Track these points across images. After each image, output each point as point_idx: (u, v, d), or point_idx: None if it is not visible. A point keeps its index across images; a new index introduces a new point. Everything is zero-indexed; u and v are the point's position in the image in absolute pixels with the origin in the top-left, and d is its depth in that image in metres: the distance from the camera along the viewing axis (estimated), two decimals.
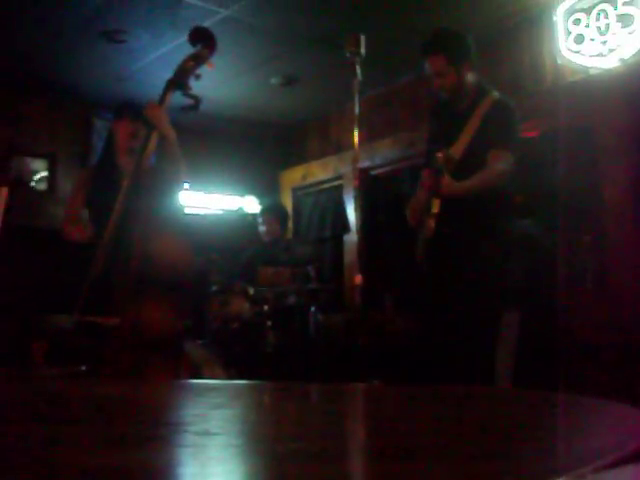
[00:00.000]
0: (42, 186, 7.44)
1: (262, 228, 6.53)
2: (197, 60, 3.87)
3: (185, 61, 3.88)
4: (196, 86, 3.90)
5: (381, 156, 7.36)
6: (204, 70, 3.88)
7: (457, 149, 3.93)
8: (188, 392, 1.21)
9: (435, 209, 3.88)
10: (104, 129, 6.34)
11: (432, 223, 3.90)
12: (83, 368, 2.01)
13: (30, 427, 0.68)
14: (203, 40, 3.89)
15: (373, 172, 7.52)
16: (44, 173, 7.46)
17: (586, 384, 4.39)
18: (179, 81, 3.86)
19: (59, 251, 4.17)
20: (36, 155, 7.44)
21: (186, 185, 4.16)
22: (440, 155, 3.85)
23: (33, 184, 7.41)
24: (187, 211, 7.04)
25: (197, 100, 3.92)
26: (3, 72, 6.73)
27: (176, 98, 3.89)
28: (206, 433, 0.63)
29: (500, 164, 3.84)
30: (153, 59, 6.26)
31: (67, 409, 0.89)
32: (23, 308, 4.18)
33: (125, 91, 6.58)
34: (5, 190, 1.43)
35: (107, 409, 0.89)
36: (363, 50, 3.84)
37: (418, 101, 6.84)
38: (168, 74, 3.88)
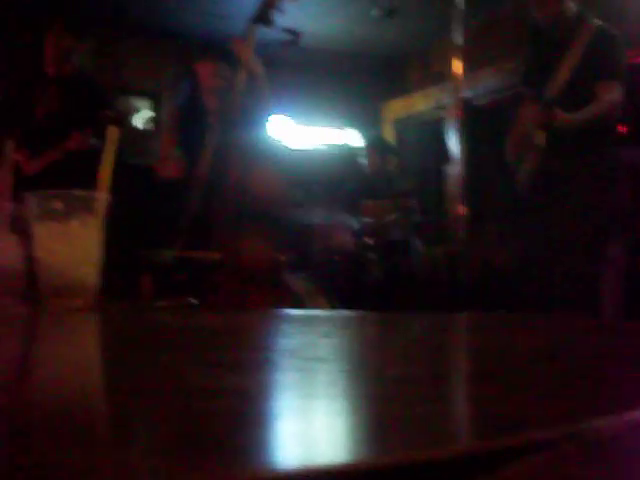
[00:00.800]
0: (148, 125, 7.57)
1: (365, 160, 6.51)
2: None
3: None
4: (295, 21, 3.88)
5: (483, 86, 7.24)
6: (292, 4, 3.85)
7: (559, 79, 3.84)
8: (295, 321, 1.24)
9: (540, 141, 3.82)
10: None
11: (537, 156, 3.84)
12: (192, 300, 2.07)
13: (155, 355, 0.71)
14: None
15: (476, 102, 7.41)
16: (149, 112, 7.58)
17: None
18: (262, 17, 3.85)
19: (163, 188, 4.26)
20: (141, 94, 7.56)
21: (275, 119, 4.17)
22: (552, 88, 3.76)
23: (139, 123, 7.55)
24: (290, 145, 7.07)
25: (296, 35, 3.92)
26: (107, 14, 6.83)
27: (276, 34, 3.89)
28: (316, 359, 0.65)
29: (610, 95, 3.75)
30: None
31: (182, 338, 0.92)
32: (131, 243, 4.28)
33: (219, 29, 6.60)
34: (115, 129, 1.47)
35: (217, 337, 0.93)
36: None
37: (520, 29, 6.69)
38: None
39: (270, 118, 4.05)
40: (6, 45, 6.32)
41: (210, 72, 4.02)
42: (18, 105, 4.43)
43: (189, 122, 4.06)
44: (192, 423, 0.38)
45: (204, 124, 3.83)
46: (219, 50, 4.04)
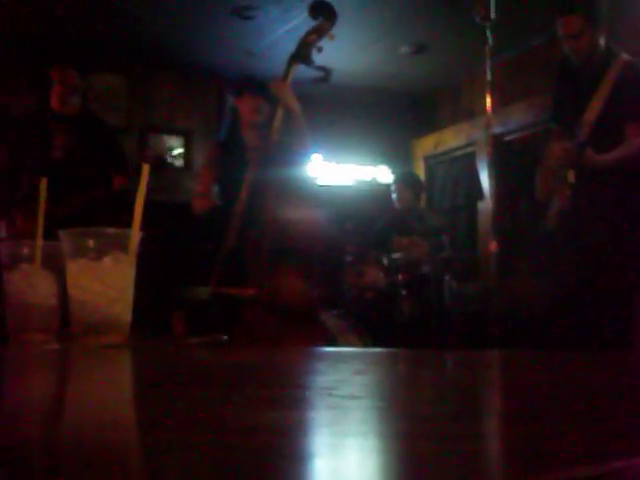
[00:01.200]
0: (179, 163, 7.63)
1: (395, 197, 6.50)
2: (318, 33, 3.89)
3: (306, 35, 3.91)
4: (325, 58, 3.92)
5: (514, 121, 7.24)
6: (329, 42, 3.91)
7: (589, 117, 3.82)
8: (328, 359, 1.24)
9: (571, 178, 3.79)
10: None
11: (568, 193, 3.82)
12: (224, 337, 2.07)
13: (190, 390, 0.72)
14: (323, 13, 3.91)
15: (507, 138, 7.41)
16: (180, 150, 7.65)
17: None
18: (301, 55, 3.90)
19: (195, 225, 4.29)
20: (172, 132, 7.63)
21: (312, 157, 4.21)
22: (584, 128, 3.75)
23: (170, 161, 7.61)
24: (320, 182, 7.10)
25: (327, 72, 3.96)
26: (138, 52, 6.92)
27: (307, 71, 3.94)
28: (351, 396, 0.65)
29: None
30: (282, 34, 6.33)
31: (216, 374, 0.93)
32: (163, 280, 4.30)
33: (255, 67, 6.66)
34: (147, 167, 1.49)
35: (254, 374, 0.93)
36: (493, 13, 3.78)
37: (552, 64, 6.70)
38: None
39: (310, 156, 4.09)
40: (13, 82, 6.39)
41: (250, 107, 4.07)
42: (33, 143, 4.47)
43: (228, 158, 4.09)
44: (227, 458, 0.39)
45: (243, 160, 3.87)
46: (257, 86, 4.09)
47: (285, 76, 3.90)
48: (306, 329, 3.85)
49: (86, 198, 4.30)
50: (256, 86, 4.15)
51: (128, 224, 1.46)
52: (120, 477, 0.36)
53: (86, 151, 4.42)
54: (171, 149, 7.60)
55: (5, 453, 0.41)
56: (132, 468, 0.39)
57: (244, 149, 4.00)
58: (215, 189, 4.26)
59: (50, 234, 1.65)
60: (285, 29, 6.23)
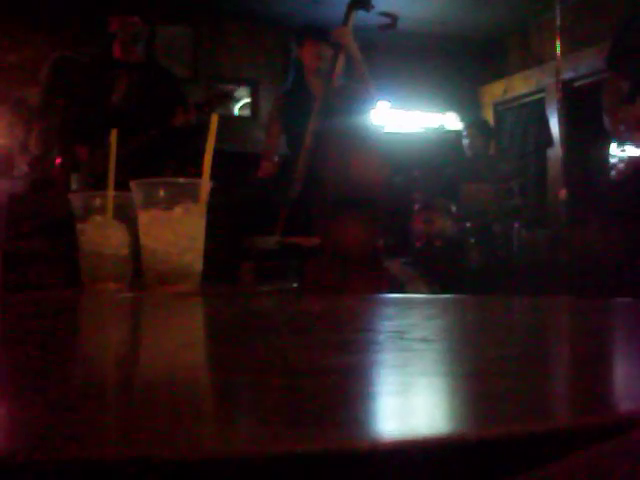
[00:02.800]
0: (246, 112, 7.65)
1: (465, 143, 6.43)
2: None
3: None
4: (391, 4, 3.89)
5: (585, 66, 7.09)
6: None
7: None
8: (398, 305, 1.25)
9: None
10: None
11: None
12: (294, 285, 2.09)
13: (261, 336, 0.73)
14: None
15: (577, 83, 7.27)
16: (247, 99, 7.66)
17: None
18: (361, 0, 3.87)
19: (259, 178, 4.32)
20: (239, 82, 7.64)
21: (377, 103, 4.19)
22: None
23: (236, 110, 7.63)
24: (388, 130, 7.06)
25: (394, 18, 3.92)
26: (204, 2, 6.92)
27: (374, 18, 3.91)
28: (424, 340, 0.66)
29: None
30: None
31: (286, 320, 0.94)
32: (232, 230, 4.33)
33: (320, 14, 6.61)
34: (215, 117, 1.50)
35: (323, 319, 0.94)
36: None
37: (623, 6, 6.53)
38: None
39: (374, 104, 4.07)
40: (77, 31, 6.42)
41: (312, 54, 4.07)
42: (95, 90, 4.47)
43: (294, 107, 4.11)
44: (299, 399, 0.39)
45: (309, 109, 3.88)
46: (319, 33, 4.08)
47: (345, 22, 3.88)
48: (370, 277, 3.86)
49: (144, 137, 4.30)
50: (316, 32, 4.14)
51: (196, 172, 1.48)
52: (192, 416, 0.37)
53: (147, 97, 4.42)
54: (238, 99, 7.61)
55: (83, 395, 0.42)
56: (204, 408, 0.40)
57: (310, 98, 4.00)
58: (282, 140, 4.28)
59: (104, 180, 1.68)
60: None
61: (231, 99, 7.24)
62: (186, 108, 4.41)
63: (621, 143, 3.83)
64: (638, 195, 3.82)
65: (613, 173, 3.86)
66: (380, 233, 4.02)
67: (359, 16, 3.92)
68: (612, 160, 3.85)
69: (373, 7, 3.88)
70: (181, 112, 4.41)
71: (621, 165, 3.84)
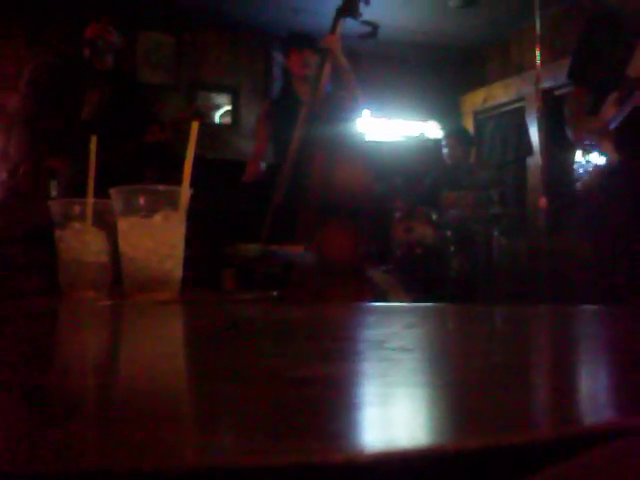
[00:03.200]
0: (226, 120, 7.64)
1: (446, 152, 6.45)
2: None
3: None
4: (372, 13, 3.90)
5: (564, 75, 7.13)
6: None
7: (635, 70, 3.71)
8: (379, 313, 1.25)
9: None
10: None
11: (611, 147, 3.71)
12: (274, 293, 2.09)
13: (242, 344, 0.73)
14: None
15: (557, 92, 7.30)
16: (228, 107, 7.66)
17: None
18: (349, 8, 3.89)
19: (244, 184, 4.32)
20: (220, 90, 7.64)
21: (363, 111, 4.20)
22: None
23: (217, 118, 7.62)
24: (368, 138, 7.07)
25: (375, 26, 3.94)
26: (185, 11, 6.91)
27: (355, 27, 3.92)
28: (402, 349, 0.66)
29: None
30: None
31: (267, 328, 0.94)
32: (214, 237, 4.33)
33: (301, 23, 6.62)
34: (196, 124, 1.49)
35: (304, 328, 0.94)
36: None
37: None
38: None
39: (361, 112, 4.09)
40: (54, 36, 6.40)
41: (299, 62, 4.08)
42: (66, 100, 4.45)
43: (281, 115, 4.12)
44: (280, 408, 0.39)
45: (295, 115, 3.89)
46: (304, 40, 4.10)
47: (333, 30, 3.89)
48: (354, 285, 3.86)
49: (117, 151, 4.29)
50: (301, 39, 4.16)
51: (176, 181, 1.47)
52: (174, 426, 0.36)
53: (118, 112, 4.42)
54: (219, 107, 7.61)
55: (60, 404, 0.42)
56: (185, 417, 0.40)
57: (298, 105, 4.01)
58: (270, 146, 4.30)
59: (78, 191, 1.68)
60: None
61: (208, 117, 7.24)
62: (162, 127, 4.42)
63: (585, 153, 3.85)
64: (601, 208, 3.83)
65: (579, 184, 3.88)
66: (364, 241, 4.03)
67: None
68: (579, 171, 3.87)
69: (361, 15, 3.89)
70: (157, 130, 4.41)
71: (586, 177, 3.86)
